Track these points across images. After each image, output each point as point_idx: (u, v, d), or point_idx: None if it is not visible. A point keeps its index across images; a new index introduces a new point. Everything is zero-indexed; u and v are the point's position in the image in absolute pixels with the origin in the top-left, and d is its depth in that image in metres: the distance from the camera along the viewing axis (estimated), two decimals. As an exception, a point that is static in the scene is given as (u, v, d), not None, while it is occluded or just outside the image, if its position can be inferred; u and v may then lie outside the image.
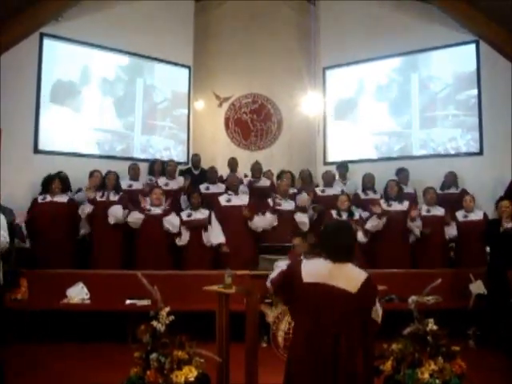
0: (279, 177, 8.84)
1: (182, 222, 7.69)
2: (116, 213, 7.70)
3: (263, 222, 7.81)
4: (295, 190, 8.66)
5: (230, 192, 8.12)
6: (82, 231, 7.92)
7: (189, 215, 7.81)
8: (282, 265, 3.55)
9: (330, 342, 2.97)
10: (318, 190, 8.91)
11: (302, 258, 4.51)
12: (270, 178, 9.36)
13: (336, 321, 2.99)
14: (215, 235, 7.70)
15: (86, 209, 7.81)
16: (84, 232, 7.92)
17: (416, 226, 7.74)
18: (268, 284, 3.48)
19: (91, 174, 8.36)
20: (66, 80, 9.61)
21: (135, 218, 7.62)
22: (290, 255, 3.94)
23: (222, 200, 8.03)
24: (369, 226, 7.78)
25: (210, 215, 7.80)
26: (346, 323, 3.00)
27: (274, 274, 3.46)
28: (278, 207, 7.91)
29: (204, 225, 7.70)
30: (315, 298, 3.05)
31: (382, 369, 4.12)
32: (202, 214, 7.84)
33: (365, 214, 8.04)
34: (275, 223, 7.83)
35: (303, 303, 3.11)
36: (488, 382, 4.83)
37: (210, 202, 8.15)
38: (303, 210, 7.97)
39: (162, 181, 8.84)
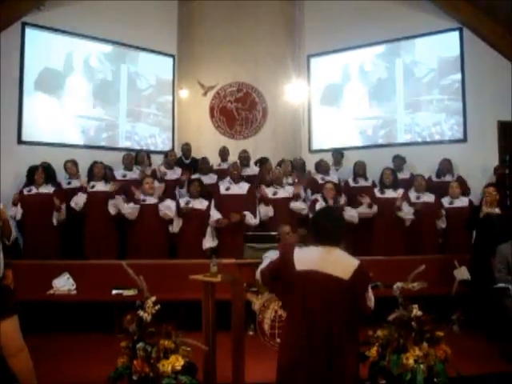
0: (279, 165, 8.86)
1: (180, 209, 7.71)
2: (118, 203, 7.71)
3: (263, 212, 7.81)
4: (291, 179, 8.67)
5: (230, 180, 8.10)
6: (55, 220, 7.81)
7: (187, 202, 7.81)
8: (270, 255, 3.54)
9: (323, 329, 2.99)
10: (318, 178, 8.90)
11: (294, 246, 4.52)
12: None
13: (329, 307, 3.01)
14: (213, 216, 7.65)
15: (81, 200, 7.81)
16: (58, 220, 7.82)
17: (404, 215, 7.77)
18: (257, 274, 3.46)
19: (65, 166, 8.46)
20: (49, 69, 9.58)
21: (131, 208, 7.59)
22: (281, 246, 3.94)
23: (222, 188, 8.00)
24: (359, 211, 7.82)
25: (209, 205, 7.79)
26: (338, 309, 3.02)
27: (263, 265, 3.44)
28: (274, 196, 7.94)
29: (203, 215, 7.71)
30: (308, 285, 3.07)
31: (367, 355, 4.16)
32: (200, 203, 7.84)
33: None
34: (270, 214, 7.83)
35: (296, 291, 3.11)
36: (472, 367, 4.88)
37: (206, 191, 8.15)
38: (297, 197, 7.97)
39: (160, 170, 8.87)
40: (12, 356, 3.90)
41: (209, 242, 7.67)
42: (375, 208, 7.84)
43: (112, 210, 7.75)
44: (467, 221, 7.15)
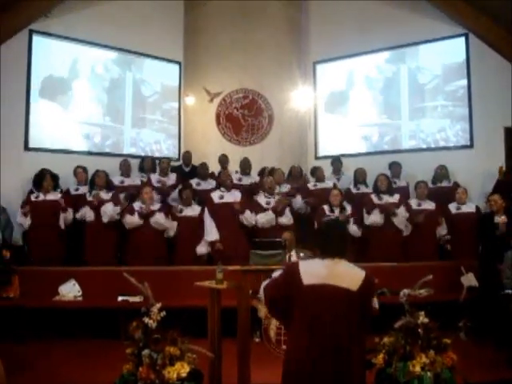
0: (270, 173, 8.84)
1: (174, 217, 7.74)
2: (108, 211, 7.72)
3: (264, 218, 7.80)
4: (288, 186, 8.67)
5: (222, 189, 8.12)
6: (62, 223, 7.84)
7: (180, 211, 7.82)
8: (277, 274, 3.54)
9: (332, 341, 2.97)
10: (309, 186, 8.91)
11: (297, 259, 4.53)
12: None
13: (338, 320, 3.00)
14: (209, 232, 7.69)
15: (88, 215, 7.84)
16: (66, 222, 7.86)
17: (398, 222, 7.77)
18: (261, 294, 3.43)
19: (75, 172, 8.50)
20: (55, 76, 9.62)
21: (132, 222, 7.61)
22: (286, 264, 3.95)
23: (215, 197, 8.03)
24: (370, 221, 7.82)
25: (202, 211, 7.81)
26: (346, 321, 3.01)
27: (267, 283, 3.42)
28: (266, 205, 7.91)
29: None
30: (317, 299, 3.04)
31: (374, 362, 4.13)
32: (193, 210, 7.85)
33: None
34: (274, 223, 7.81)
35: (304, 306, 3.07)
36: (479, 374, 4.84)
37: (201, 198, 8.18)
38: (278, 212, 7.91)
39: (154, 178, 8.84)
40: None
41: (213, 235, 7.69)
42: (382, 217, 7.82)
43: (104, 219, 7.75)
44: (478, 230, 7.11)
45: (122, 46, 10.33)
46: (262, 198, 8.04)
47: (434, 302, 4.90)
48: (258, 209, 7.90)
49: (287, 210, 7.99)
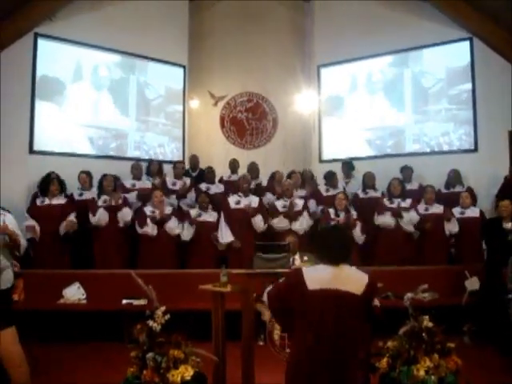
0: (289, 177, 8.82)
1: (191, 222, 7.76)
2: (125, 217, 7.77)
3: (279, 224, 7.80)
4: (304, 192, 8.65)
5: (240, 193, 8.08)
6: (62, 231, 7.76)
7: (199, 215, 7.83)
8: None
9: (335, 346, 3.00)
10: (322, 190, 8.90)
11: (301, 263, 4.55)
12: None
13: (342, 325, 3.02)
14: (223, 236, 7.69)
15: (104, 218, 7.76)
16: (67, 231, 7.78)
17: (405, 224, 7.76)
18: (265, 297, 3.47)
19: (79, 177, 8.50)
20: (60, 79, 9.61)
21: (146, 232, 7.61)
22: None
23: (232, 202, 7.97)
24: (380, 221, 7.84)
25: (219, 217, 7.84)
26: (350, 326, 3.03)
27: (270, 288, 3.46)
28: (284, 209, 7.88)
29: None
30: (323, 303, 3.05)
31: (378, 366, 4.13)
32: (210, 216, 7.89)
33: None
34: (288, 227, 7.78)
35: (307, 311, 3.09)
36: (483, 378, 4.84)
37: (213, 202, 8.17)
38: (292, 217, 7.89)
39: (169, 181, 8.88)
40: (12, 368, 3.91)
41: (228, 237, 7.69)
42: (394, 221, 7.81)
43: (121, 223, 7.79)
44: (483, 235, 7.10)
45: (127, 49, 10.31)
46: (278, 202, 8.01)
47: (438, 306, 4.90)
48: (272, 212, 7.89)
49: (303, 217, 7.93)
